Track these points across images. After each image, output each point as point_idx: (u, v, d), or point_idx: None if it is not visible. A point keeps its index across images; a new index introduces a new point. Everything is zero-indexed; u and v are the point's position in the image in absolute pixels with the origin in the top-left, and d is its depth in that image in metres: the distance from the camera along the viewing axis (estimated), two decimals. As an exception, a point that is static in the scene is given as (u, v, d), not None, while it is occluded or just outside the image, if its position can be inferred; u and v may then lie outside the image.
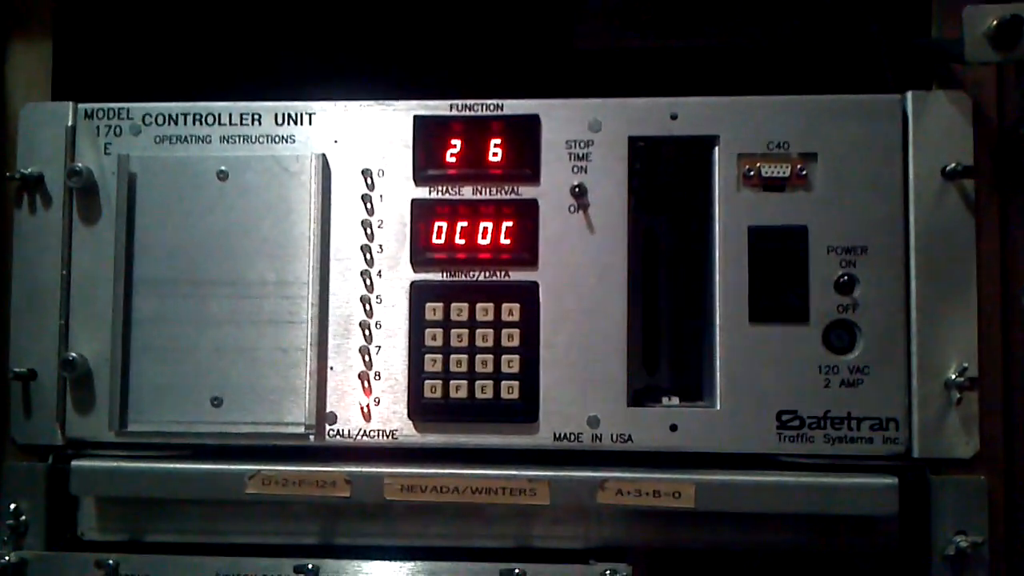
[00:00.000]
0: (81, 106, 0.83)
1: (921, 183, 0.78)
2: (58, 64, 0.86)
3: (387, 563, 0.79)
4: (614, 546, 0.79)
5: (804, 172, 0.78)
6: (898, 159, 0.78)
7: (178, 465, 0.79)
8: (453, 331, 0.79)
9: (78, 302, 0.82)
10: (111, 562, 0.79)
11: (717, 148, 0.79)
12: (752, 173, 0.78)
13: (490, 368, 0.79)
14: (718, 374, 0.78)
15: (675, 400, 0.80)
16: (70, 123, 0.83)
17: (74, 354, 0.80)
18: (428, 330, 0.79)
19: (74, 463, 0.80)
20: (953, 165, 0.77)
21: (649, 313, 0.83)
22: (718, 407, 0.78)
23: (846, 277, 0.77)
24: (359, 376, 0.80)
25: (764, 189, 0.79)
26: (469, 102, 0.81)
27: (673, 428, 0.78)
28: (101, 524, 0.83)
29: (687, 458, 0.78)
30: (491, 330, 0.79)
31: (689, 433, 0.78)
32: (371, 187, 0.81)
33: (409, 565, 0.78)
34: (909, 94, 0.79)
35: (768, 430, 0.77)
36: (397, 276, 0.80)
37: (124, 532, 0.83)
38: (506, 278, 0.80)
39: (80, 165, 0.81)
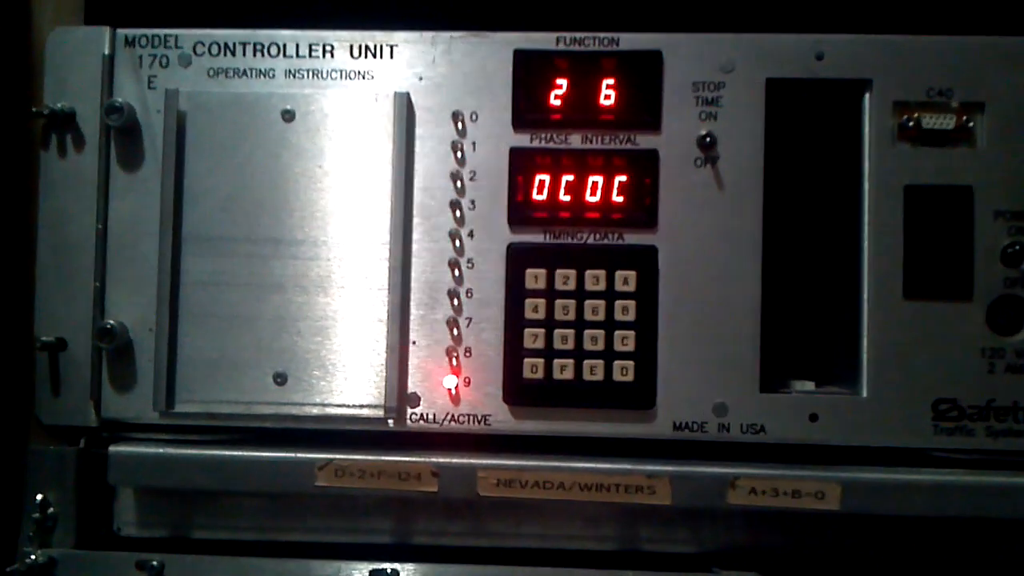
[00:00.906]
0: (120, 32, 0.71)
1: (1102, 141, 0.68)
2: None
3: (477, 567, 0.69)
4: (739, 550, 0.69)
5: (970, 124, 0.68)
6: (1076, 114, 0.68)
7: (234, 452, 0.69)
8: (558, 302, 0.68)
9: (116, 261, 0.70)
10: (155, 563, 0.68)
11: (869, 94, 0.69)
12: (910, 124, 0.68)
13: (600, 345, 0.68)
14: (865, 357, 0.68)
15: (809, 385, 0.70)
16: (107, 51, 0.71)
17: (112, 321, 0.69)
18: (528, 300, 0.68)
19: (112, 448, 0.69)
20: None
21: (782, 283, 0.72)
22: (864, 394, 0.68)
23: (1016, 247, 0.67)
24: (446, 352, 0.69)
25: (923, 143, 0.68)
26: (579, 35, 0.70)
27: (813, 418, 0.68)
28: (141, 518, 0.72)
29: (819, 452, 0.68)
30: (602, 301, 0.68)
31: (831, 424, 0.68)
32: (462, 133, 0.70)
33: (503, 571, 0.68)
34: (1091, 38, 0.68)
35: (922, 421, 0.67)
36: (492, 237, 0.69)
37: (167, 528, 0.72)
38: (620, 241, 0.69)
39: (120, 100, 0.70)
